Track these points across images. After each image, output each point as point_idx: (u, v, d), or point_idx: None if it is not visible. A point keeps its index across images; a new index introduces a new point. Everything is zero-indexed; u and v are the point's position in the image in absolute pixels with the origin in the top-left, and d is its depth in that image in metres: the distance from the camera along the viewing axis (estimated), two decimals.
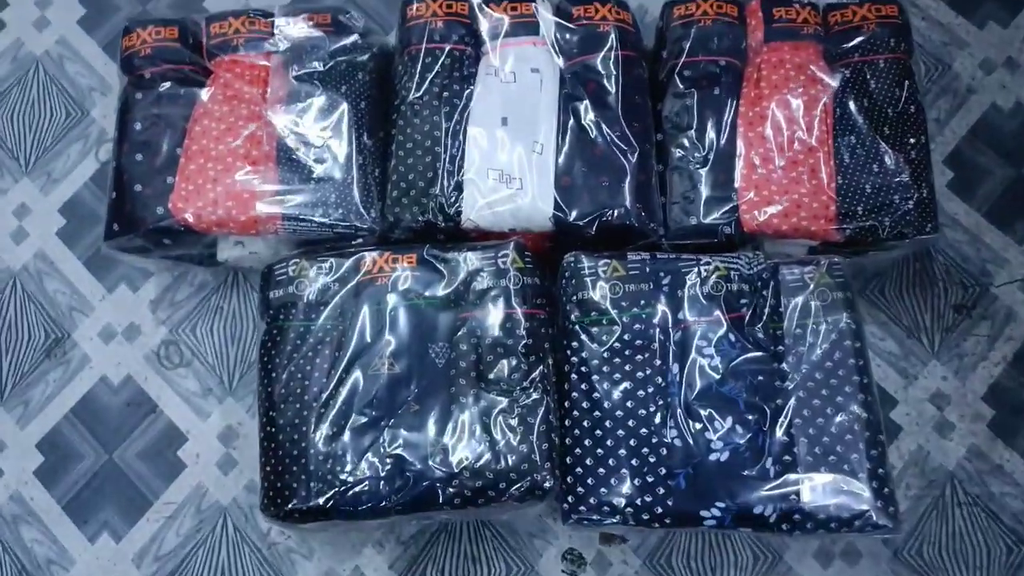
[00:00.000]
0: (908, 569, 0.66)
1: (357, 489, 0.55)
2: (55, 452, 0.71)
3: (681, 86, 0.66)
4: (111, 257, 0.74)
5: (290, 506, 0.56)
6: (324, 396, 0.57)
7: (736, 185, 0.63)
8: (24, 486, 0.70)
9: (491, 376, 0.58)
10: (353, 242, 0.65)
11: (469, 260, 0.61)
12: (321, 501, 0.55)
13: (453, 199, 0.63)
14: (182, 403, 0.71)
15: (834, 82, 0.65)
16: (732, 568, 0.66)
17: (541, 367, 0.59)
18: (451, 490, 0.55)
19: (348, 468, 0.56)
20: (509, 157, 0.64)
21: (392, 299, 0.60)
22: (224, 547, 0.68)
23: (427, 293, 0.60)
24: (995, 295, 0.71)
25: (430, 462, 0.56)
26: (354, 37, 0.68)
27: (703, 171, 0.64)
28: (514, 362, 0.58)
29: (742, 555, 0.66)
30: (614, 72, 0.66)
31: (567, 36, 0.67)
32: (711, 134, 0.65)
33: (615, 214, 0.62)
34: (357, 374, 0.58)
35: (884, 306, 0.71)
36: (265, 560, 0.68)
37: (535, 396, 0.57)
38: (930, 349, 0.70)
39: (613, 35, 0.66)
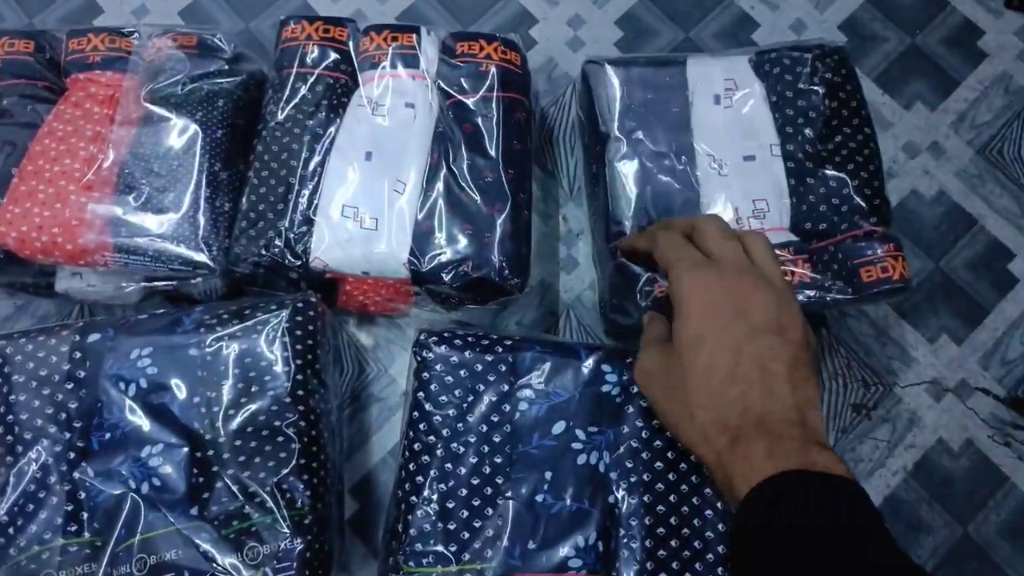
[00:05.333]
0: None
1: None
2: None
3: None
4: None
5: None
6: None
7: None
8: None
9: None
10: (192, 280, 0.59)
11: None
12: None
13: (302, 234, 0.58)
14: None
15: None
16: None
17: None
18: None
19: None
20: (368, 195, 0.58)
21: None
22: None
23: None
24: (899, 396, 0.64)
25: None
26: (219, 63, 0.63)
27: None
28: None
29: None
30: (493, 114, 0.61)
31: (448, 72, 0.62)
32: None
33: (473, 266, 0.56)
34: None
35: None
36: None
37: None
38: None
39: (495, 74, 0.61)
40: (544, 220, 0.69)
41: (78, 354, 0.55)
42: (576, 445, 0.52)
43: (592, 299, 0.67)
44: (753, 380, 0.42)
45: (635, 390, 0.53)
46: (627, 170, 0.58)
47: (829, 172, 0.58)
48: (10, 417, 0.54)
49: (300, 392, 0.55)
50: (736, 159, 0.58)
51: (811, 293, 0.55)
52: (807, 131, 0.59)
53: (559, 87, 0.73)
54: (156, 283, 0.61)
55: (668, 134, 0.59)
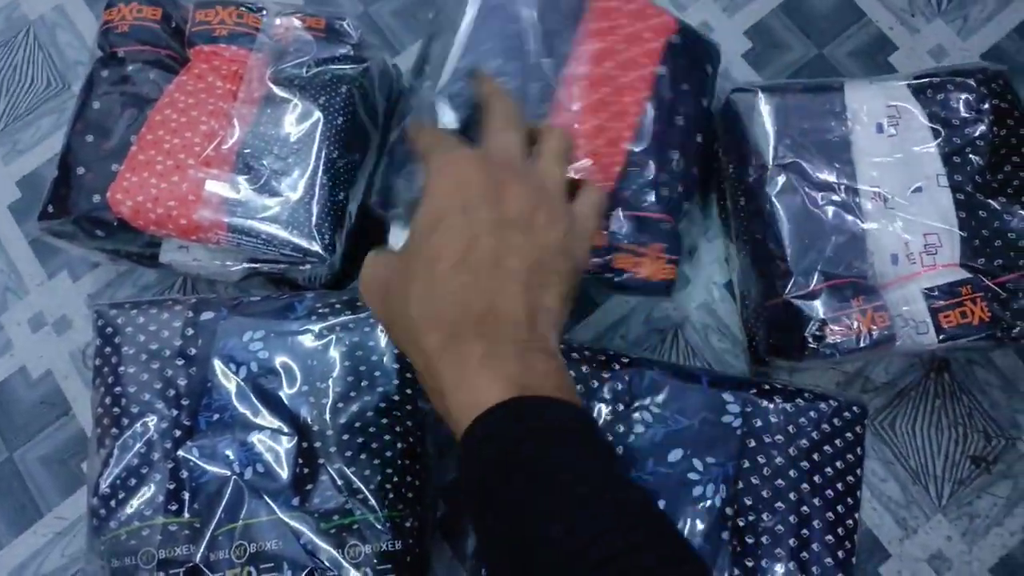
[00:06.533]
0: None
1: None
2: None
3: None
4: None
5: None
6: None
7: None
8: None
9: None
10: (301, 267, 0.58)
11: None
12: None
13: None
14: None
15: None
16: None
17: None
18: None
19: None
20: None
21: None
22: None
23: None
24: (1022, 452, 0.61)
25: None
26: (346, 48, 0.62)
27: None
28: None
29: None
30: None
31: None
32: None
33: None
34: None
35: (892, 442, 0.61)
36: None
37: None
38: (936, 501, 0.60)
39: None
40: None
41: (190, 331, 0.54)
42: (692, 476, 0.50)
43: (703, 321, 0.64)
44: (481, 273, 0.37)
45: (758, 423, 0.51)
46: (787, 205, 0.55)
47: (1001, 204, 0.55)
48: (118, 388, 0.54)
49: (408, 391, 0.54)
50: (903, 191, 0.55)
51: (989, 333, 0.52)
52: (975, 160, 0.56)
53: None
54: (262, 265, 0.60)
55: (828, 166, 0.56)
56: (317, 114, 0.60)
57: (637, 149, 0.55)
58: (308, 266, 0.58)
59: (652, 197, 0.55)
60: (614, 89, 0.56)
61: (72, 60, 0.74)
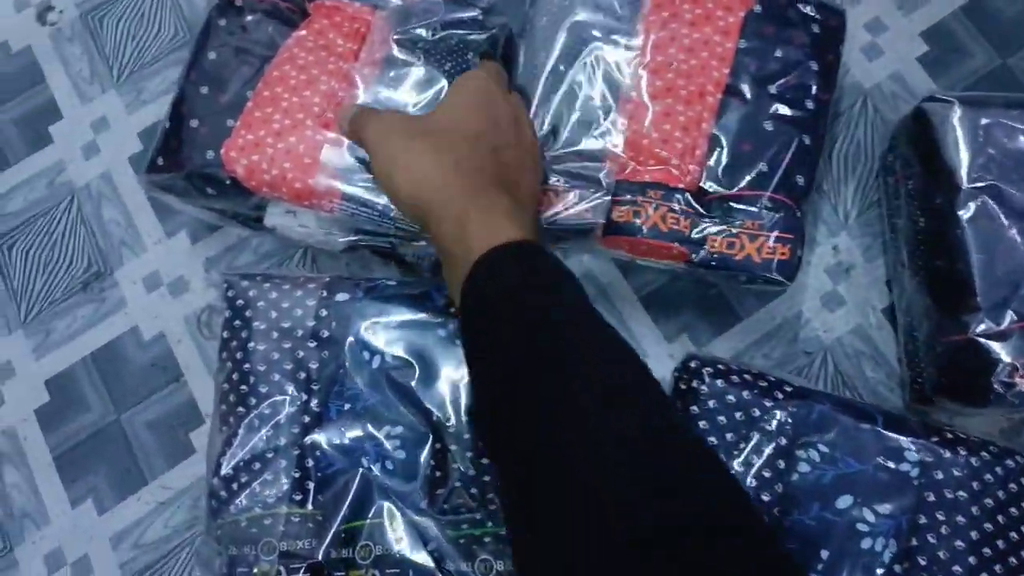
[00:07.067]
0: None
1: None
2: (62, 395, 0.63)
3: None
4: None
5: None
6: None
7: None
8: (22, 423, 0.63)
9: None
10: (413, 242, 0.55)
11: None
12: None
13: None
14: (210, 381, 0.63)
15: None
16: None
17: None
18: None
19: None
20: None
21: None
22: None
23: None
24: None
25: None
26: (474, 12, 0.58)
27: None
28: None
29: None
30: None
31: None
32: None
33: None
34: None
35: None
36: None
37: None
38: None
39: None
40: (810, 246, 0.61)
41: (324, 311, 0.52)
42: (862, 527, 0.46)
43: (856, 347, 0.59)
44: (516, 154, 0.49)
45: (939, 476, 0.46)
46: (980, 232, 0.50)
47: None
48: (247, 365, 0.51)
49: None
50: None
51: None
52: None
53: (848, 96, 0.65)
54: (370, 237, 0.57)
55: None
56: (443, 82, 0.56)
57: (721, 128, 0.53)
58: (423, 242, 0.55)
59: (745, 175, 0.52)
60: (680, 74, 0.54)
61: (201, 8, 0.71)
